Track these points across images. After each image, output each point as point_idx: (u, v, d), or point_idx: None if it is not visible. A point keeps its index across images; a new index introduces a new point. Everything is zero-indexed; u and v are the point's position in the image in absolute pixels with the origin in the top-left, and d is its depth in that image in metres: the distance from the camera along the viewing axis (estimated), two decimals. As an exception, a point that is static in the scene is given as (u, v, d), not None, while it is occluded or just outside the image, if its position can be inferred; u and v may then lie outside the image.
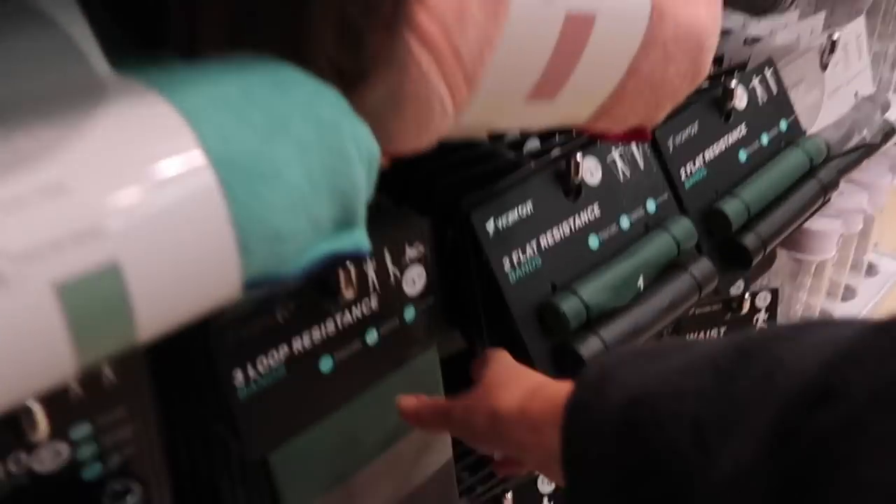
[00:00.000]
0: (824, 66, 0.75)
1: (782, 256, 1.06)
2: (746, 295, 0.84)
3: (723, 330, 0.86)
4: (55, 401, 0.36)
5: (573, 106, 0.40)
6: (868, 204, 1.05)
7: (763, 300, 0.87)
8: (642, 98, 0.41)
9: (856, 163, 0.76)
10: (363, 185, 0.29)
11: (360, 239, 0.30)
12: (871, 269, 1.25)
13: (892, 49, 1.01)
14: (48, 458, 0.37)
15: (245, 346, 0.39)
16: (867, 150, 0.77)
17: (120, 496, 0.39)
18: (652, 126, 0.44)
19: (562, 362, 0.51)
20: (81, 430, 0.37)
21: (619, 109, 0.41)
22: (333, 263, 0.29)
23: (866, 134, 0.77)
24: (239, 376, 0.39)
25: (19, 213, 0.20)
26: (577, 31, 0.35)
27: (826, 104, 0.75)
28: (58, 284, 0.21)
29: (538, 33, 0.34)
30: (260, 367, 0.40)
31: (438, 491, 0.53)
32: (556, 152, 0.57)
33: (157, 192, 0.23)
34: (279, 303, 0.40)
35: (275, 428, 0.42)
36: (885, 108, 0.81)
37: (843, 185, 1.06)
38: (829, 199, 0.69)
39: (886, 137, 0.79)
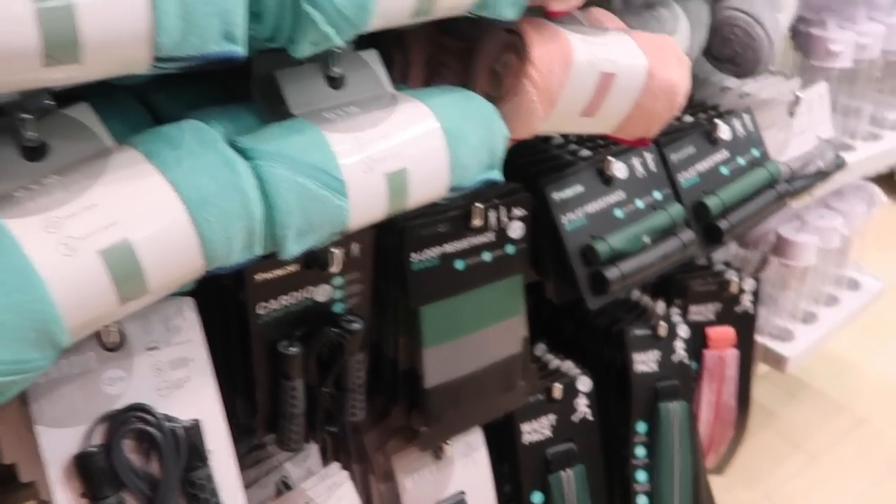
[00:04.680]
0: (792, 115, 1.07)
1: (774, 263, 1.37)
2: (735, 279, 1.15)
3: (719, 305, 1.17)
4: (317, 261, 0.69)
5: (604, 121, 0.73)
6: (843, 226, 1.35)
7: (749, 285, 1.18)
8: (643, 121, 0.74)
9: (811, 184, 1.07)
10: (501, 148, 0.63)
11: (498, 175, 0.64)
12: (854, 285, 1.54)
13: (861, 105, 1.32)
14: (321, 294, 0.70)
15: (419, 241, 0.72)
16: (820, 175, 1.08)
17: (351, 323, 0.72)
18: (650, 137, 0.77)
19: (595, 283, 0.83)
20: (338, 280, 0.71)
21: (629, 125, 0.74)
22: (486, 185, 0.63)
23: (821, 165, 1.08)
24: (414, 256, 0.72)
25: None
26: (606, 81, 0.68)
27: (792, 142, 1.07)
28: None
29: (586, 80, 0.67)
30: (425, 255, 0.72)
31: (511, 367, 0.85)
32: (599, 155, 0.90)
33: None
34: (441, 221, 0.73)
35: (428, 293, 0.74)
36: (840, 148, 1.12)
37: (822, 210, 1.37)
38: (785, 205, 1.01)
39: (837, 168, 1.10)
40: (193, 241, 0.48)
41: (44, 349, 0.45)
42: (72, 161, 0.50)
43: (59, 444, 0.54)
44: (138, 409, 0.55)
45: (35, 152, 0.50)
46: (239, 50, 0.47)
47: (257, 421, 0.73)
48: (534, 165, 0.86)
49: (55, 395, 0.54)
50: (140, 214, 0.46)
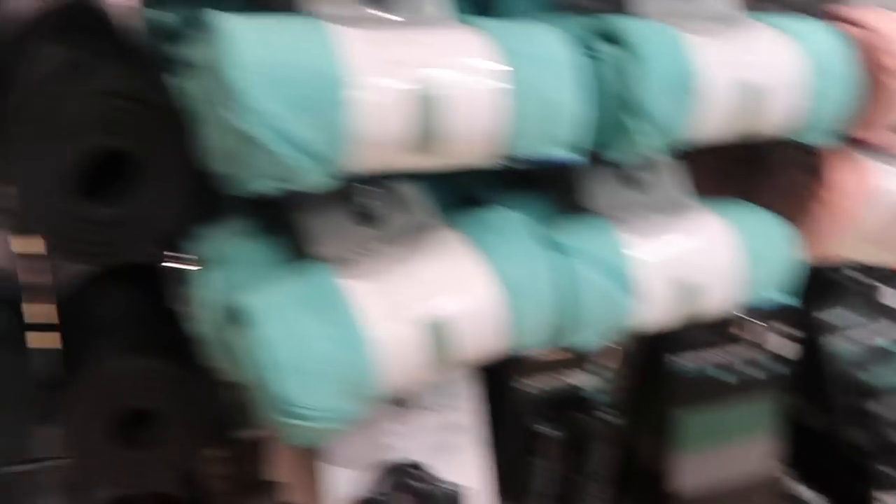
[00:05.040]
0: None
1: None
2: None
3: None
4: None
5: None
6: None
7: None
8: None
9: None
10: (795, 270, 0.62)
11: (790, 300, 0.63)
12: None
13: None
14: (582, 380, 0.72)
15: (681, 344, 0.72)
16: None
17: (607, 414, 0.73)
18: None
19: (856, 416, 0.80)
20: (602, 371, 0.72)
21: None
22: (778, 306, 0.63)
23: None
24: (680, 359, 0.72)
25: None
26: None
27: None
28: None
29: (884, 211, 0.66)
30: (693, 360, 0.73)
31: (759, 488, 0.82)
32: (869, 280, 0.87)
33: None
34: (706, 329, 0.72)
35: (685, 397, 0.74)
36: None
37: None
38: None
39: None
40: (505, 326, 0.51)
41: (357, 402, 0.50)
42: (399, 232, 0.55)
43: (340, 483, 0.59)
44: (414, 466, 0.59)
45: (365, 219, 0.56)
46: (576, 157, 0.50)
47: (499, 490, 0.76)
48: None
49: (344, 439, 0.59)
50: (464, 295, 0.50)
